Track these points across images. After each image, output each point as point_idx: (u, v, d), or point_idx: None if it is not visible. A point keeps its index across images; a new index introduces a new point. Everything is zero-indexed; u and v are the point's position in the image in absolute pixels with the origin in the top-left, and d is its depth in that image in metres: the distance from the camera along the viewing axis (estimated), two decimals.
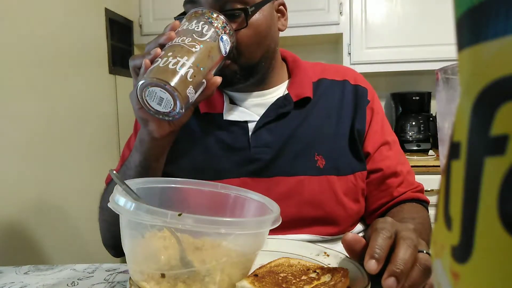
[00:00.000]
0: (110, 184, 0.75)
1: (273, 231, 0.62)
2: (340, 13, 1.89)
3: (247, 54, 0.71)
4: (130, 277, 0.50)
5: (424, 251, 0.47)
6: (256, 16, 0.70)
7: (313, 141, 0.75)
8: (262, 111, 0.77)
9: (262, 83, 0.78)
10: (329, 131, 0.77)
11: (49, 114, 1.37)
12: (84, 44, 1.59)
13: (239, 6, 0.68)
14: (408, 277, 0.44)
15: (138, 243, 0.48)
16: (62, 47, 1.44)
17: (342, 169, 0.75)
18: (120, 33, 1.87)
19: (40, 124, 1.32)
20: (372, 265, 0.44)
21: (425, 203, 0.79)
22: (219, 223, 0.43)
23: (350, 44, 1.90)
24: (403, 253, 0.45)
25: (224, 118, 0.76)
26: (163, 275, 0.45)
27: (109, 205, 0.46)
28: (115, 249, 0.78)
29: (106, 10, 1.75)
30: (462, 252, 0.13)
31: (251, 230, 0.46)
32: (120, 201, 0.45)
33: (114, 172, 0.50)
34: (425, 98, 2.04)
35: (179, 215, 0.42)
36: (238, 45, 0.69)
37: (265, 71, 0.77)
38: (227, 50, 0.64)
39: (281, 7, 0.78)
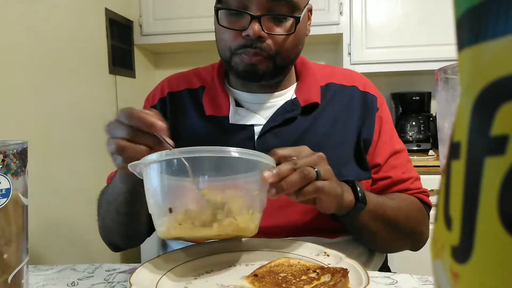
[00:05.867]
0: (110, 182, 0.75)
1: (274, 237, 0.63)
2: (340, 13, 1.89)
3: (285, 56, 0.72)
4: (130, 277, 0.50)
5: (316, 169, 0.57)
6: (300, 22, 0.71)
7: (318, 148, 0.74)
8: (269, 113, 0.77)
9: (276, 84, 0.79)
10: (335, 138, 0.76)
11: (49, 114, 1.37)
12: (84, 44, 1.59)
13: (285, 10, 0.69)
14: (286, 178, 0.54)
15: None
16: (62, 47, 1.44)
17: (347, 177, 0.74)
18: (120, 33, 1.87)
19: (40, 124, 1.32)
20: (266, 174, 0.53)
21: (426, 205, 0.79)
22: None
23: (350, 44, 1.90)
24: (283, 166, 0.55)
25: (230, 122, 0.76)
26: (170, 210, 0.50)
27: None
28: (111, 244, 0.80)
29: (106, 10, 1.75)
30: (462, 252, 0.13)
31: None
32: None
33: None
34: (425, 98, 2.04)
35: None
36: (279, 48, 0.70)
37: (287, 73, 0.79)
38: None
39: (309, 12, 0.79)
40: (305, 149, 0.61)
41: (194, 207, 0.51)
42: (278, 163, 0.57)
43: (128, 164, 0.54)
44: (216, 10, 0.71)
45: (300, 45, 0.75)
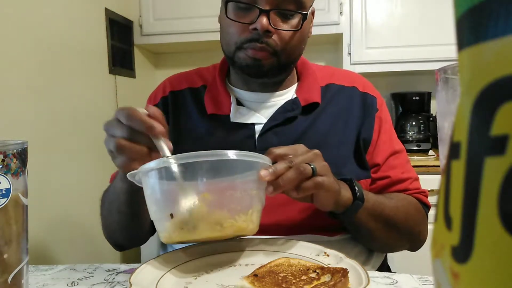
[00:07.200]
0: (112, 182, 0.75)
1: (274, 235, 0.63)
2: (340, 13, 1.89)
3: (289, 54, 0.73)
4: (130, 277, 0.50)
5: (311, 166, 0.57)
6: (306, 20, 0.72)
7: (318, 147, 0.75)
8: (269, 112, 0.78)
9: (278, 83, 0.80)
10: (334, 138, 0.77)
11: (49, 114, 1.37)
12: (84, 44, 1.59)
13: (293, 7, 0.70)
14: (282, 175, 0.55)
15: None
16: (62, 47, 1.44)
17: (346, 176, 0.75)
18: (120, 33, 1.87)
19: (40, 124, 1.32)
20: (263, 172, 0.54)
21: (424, 205, 0.79)
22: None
23: (350, 44, 1.90)
24: (279, 164, 0.56)
25: (231, 120, 0.77)
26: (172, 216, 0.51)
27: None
28: (115, 244, 0.80)
29: (106, 10, 1.75)
30: (462, 252, 0.13)
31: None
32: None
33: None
34: (425, 98, 2.03)
35: None
36: (285, 44, 0.71)
37: (290, 72, 0.79)
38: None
39: (311, 14, 0.79)
40: (300, 147, 0.61)
41: (194, 211, 0.51)
42: (275, 162, 0.57)
43: (127, 174, 0.55)
44: (226, 2, 0.71)
45: (304, 44, 0.76)
